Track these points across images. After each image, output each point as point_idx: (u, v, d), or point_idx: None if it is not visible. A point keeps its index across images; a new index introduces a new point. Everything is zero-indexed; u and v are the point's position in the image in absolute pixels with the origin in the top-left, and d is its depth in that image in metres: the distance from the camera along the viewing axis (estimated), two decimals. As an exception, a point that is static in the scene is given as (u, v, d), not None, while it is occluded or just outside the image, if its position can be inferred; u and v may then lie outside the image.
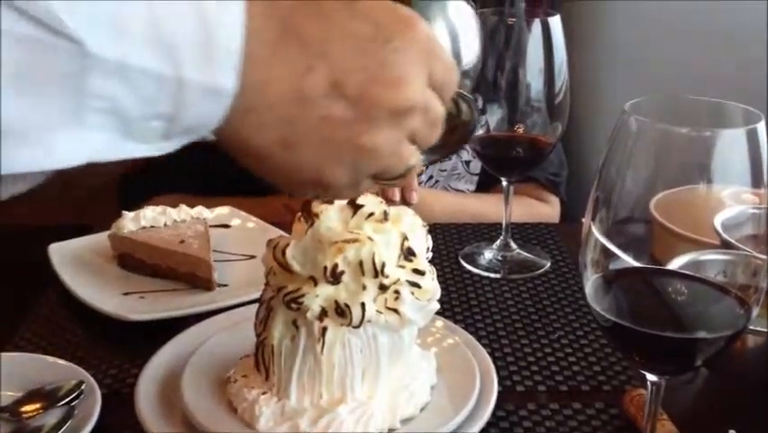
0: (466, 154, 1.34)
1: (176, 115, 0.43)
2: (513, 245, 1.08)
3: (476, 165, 1.36)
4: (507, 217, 1.07)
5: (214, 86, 0.43)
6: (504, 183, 1.05)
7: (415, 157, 0.55)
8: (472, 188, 1.40)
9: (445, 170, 1.35)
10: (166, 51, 0.41)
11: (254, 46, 0.44)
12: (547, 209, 1.37)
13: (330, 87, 0.48)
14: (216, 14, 0.42)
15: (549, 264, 1.06)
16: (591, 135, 1.48)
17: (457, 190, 1.38)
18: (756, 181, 0.56)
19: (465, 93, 0.65)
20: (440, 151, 0.68)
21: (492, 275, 1.04)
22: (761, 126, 0.55)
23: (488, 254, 1.08)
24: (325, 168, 0.51)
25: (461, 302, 0.97)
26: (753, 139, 0.55)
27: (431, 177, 1.34)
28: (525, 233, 1.15)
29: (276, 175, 0.51)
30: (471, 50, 0.73)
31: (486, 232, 1.16)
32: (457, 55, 0.71)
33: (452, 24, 0.72)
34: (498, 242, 1.08)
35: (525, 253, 1.08)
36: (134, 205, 1.11)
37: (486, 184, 1.38)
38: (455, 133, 0.67)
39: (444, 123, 0.57)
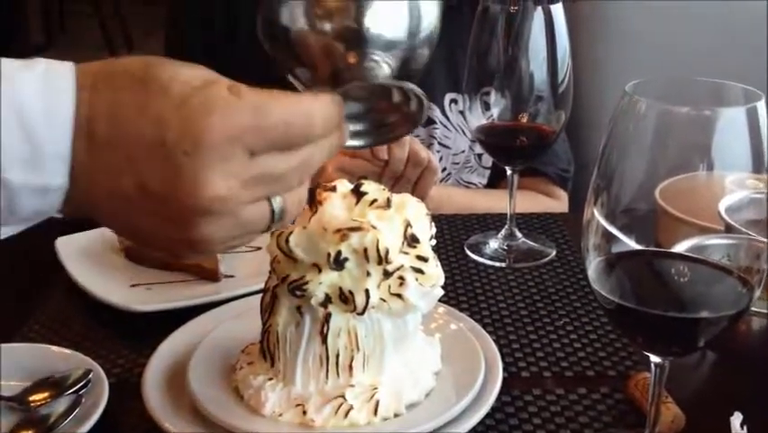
0: (479, 147, 1.34)
1: (11, 208, 0.51)
2: (518, 234, 1.08)
3: (488, 158, 1.37)
4: (511, 207, 1.07)
5: (43, 185, 0.51)
6: (508, 172, 1.05)
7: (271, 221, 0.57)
8: (484, 181, 1.40)
9: (458, 163, 1.35)
10: None
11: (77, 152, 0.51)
12: (556, 204, 1.37)
13: (139, 189, 0.52)
14: (43, 127, 0.50)
15: (554, 253, 1.06)
16: (595, 126, 1.48)
17: (469, 183, 1.39)
18: (757, 164, 0.57)
19: (412, 85, 0.63)
20: (384, 138, 0.70)
21: (497, 264, 1.04)
22: (761, 105, 0.55)
23: (493, 244, 1.08)
24: (175, 252, 0.59)
25: (467, 291, 0.97)
26: (753, 117, 0.55)
27: (444, 169, 1.33)
28: (530, 222, 1.15)
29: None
30: (427, 17, 0.67)
31: (491, 222, 1.16)
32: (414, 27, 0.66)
33: None
34: (503, 231, 1.09)
35: (531, 243, 1.08)
36: None
37: (498, 177, 1.39)
38: (402, 124, 0.67)
39: (392, 111, 0.60)
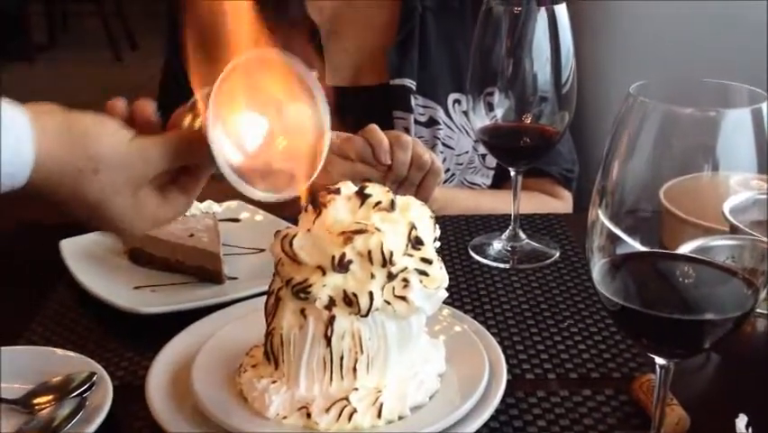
0: (482, 148, 1.33)
1: None
2: (522, 236, 1.08)
3: (492, 159, 1.36)
4: (515, 208, 1.07)
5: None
6: (512, 173, 1.04)
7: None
8: (488, 182, 1.40)
9: (462, 164, 1.35)
10: None
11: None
12: (560, 205, 1.37)
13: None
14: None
15: (558, 254, 1.06)
16: (599, 127, 1.48)
17: (473, 184, 1.38)
18: (762, 164, 0.56)
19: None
20: None
21: (501, 265, 1.04)
22: (765, 106, 0.55)
23: (497, 245, 1.08)
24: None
25: (471, 293, 0.97)
26: (757, 118, 0.55)
27: (447, 170, 1.33)
28: (534, 223, 1.15)
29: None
30: None
31: (495, 223, 1.16)
32: None
33: None
34: (506, 232, 1.08)
35: (534, 244, 1.08)
36: None
37: (502, 177, 1.38)
38: None
39: None
